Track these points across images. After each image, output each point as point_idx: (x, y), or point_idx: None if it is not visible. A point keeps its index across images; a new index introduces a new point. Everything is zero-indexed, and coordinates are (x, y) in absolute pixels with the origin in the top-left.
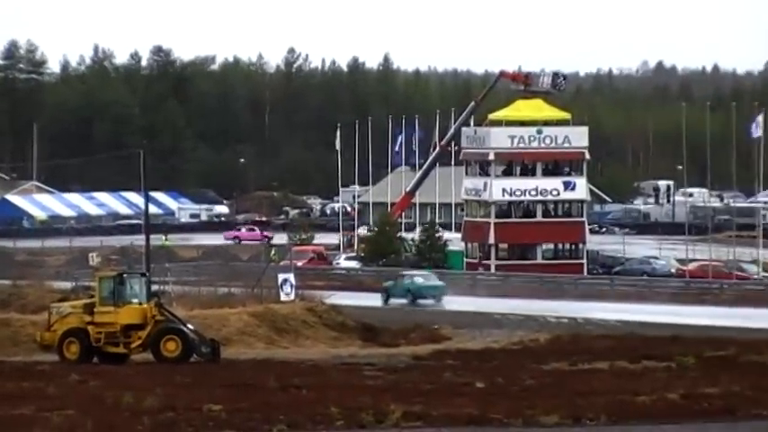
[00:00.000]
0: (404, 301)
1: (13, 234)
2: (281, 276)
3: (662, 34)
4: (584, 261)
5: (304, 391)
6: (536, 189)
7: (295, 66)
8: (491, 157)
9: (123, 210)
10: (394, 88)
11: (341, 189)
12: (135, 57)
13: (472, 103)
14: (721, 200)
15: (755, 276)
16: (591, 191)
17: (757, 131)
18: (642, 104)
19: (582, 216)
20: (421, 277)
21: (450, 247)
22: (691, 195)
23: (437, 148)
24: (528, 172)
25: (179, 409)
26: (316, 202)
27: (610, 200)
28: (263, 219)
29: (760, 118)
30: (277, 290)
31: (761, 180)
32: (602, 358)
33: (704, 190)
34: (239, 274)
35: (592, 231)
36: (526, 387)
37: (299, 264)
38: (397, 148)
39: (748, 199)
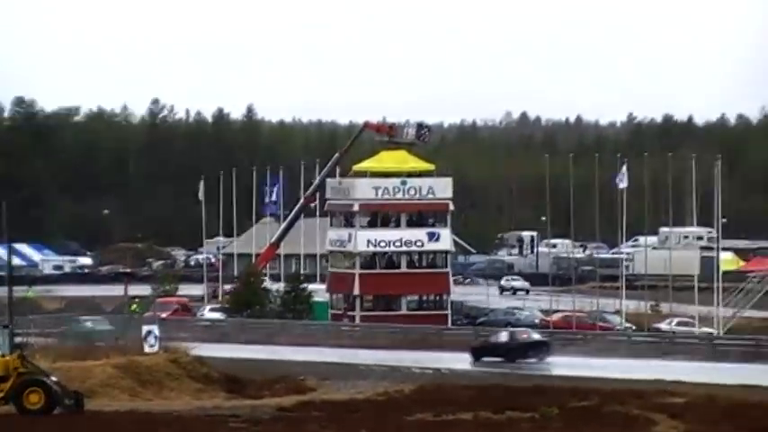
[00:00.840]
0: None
1: None
2: (144, 328)
3: (525, 85)
4: (449, 312)
5: None
6: (400, 240)
7: (160, 117)
8: (355, 208)
9: None
10: (259, 139)
11: (205, 240)
12: None
13: (336, 155)
14: (584, 250)
15: (618, 327)
16: (455, 242)
17: (623, 182)
18: (506, 155)
19: (446, 267)
20: (90, 322)
21: (316, 298)
22: (554, 246)
23: (302, 200)
24: (392, 223)
25: None
26: (180, 254)
27: (474, 251)
28: (128, 270)
29: (624, 169)
30: (141, 341)
31: (623, 231)
32: (466, 409)
33: (567, 241)
34: None
35: (456, 282)
36: None
37: (163, 315)
38: (263, 200)
39: (611, 250)
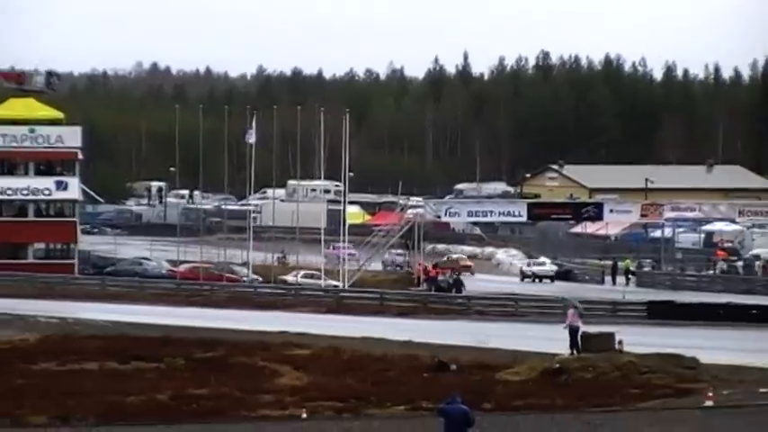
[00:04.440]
0: None
1: None
2: None
3: (156, 36)
4: (76, 261)
5: None
6: (28, 188)
7: None
8: None
9: None
10: None
11: None
12: None
13: None
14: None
15: (245, 278)
16: (84, 191)
17: (252, 138)
18: (137, 105)
19: (74, 216)
20: None
21: None
22: (183, 197)
23: None
24: (20, 171)
25: None
26: None
27: (102, 200)
28: None
29: (253, 124)
30: None
31: (252, 183)
32: (91, 359)
33: (196, 192)
34: None
35: (84, 232)
36: (15, 387)
37: None
38: None
39: (239, 202)
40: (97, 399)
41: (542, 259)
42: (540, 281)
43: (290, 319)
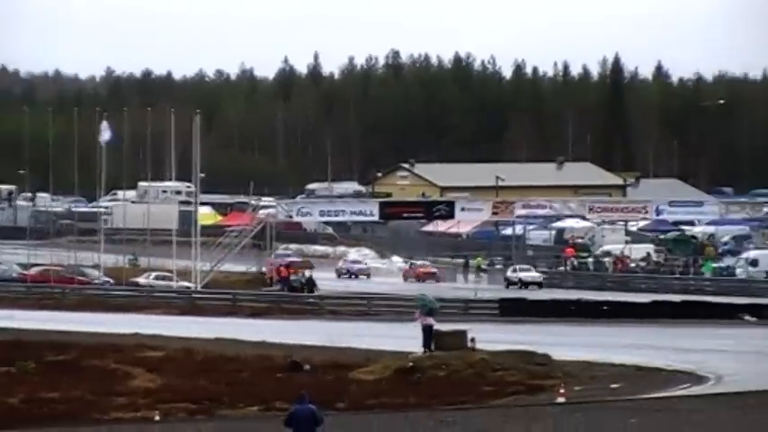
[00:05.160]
0: None
1: None
2: None
3: (3, 37)
4: None
5: None
6: None
7: None
8: None
9: None
10: None
11: None
12: None
13: None
14: (32, 200)
15: (97, 281)
16: None
17: (105, 136)
18: None
19: None
20: None
21: None
22: (33, 200)
23: None
24: None
25: None
26: None
27: None
28: None
29: (105, 123)
30: None
31: (102, 185)
32: None
33: (44, 194)
34: None
35: None
36: None
37: None
38: None
39: (90, 204)
40: None
41: (527, 265)
42: (527, 287)
43: (142, 321)
